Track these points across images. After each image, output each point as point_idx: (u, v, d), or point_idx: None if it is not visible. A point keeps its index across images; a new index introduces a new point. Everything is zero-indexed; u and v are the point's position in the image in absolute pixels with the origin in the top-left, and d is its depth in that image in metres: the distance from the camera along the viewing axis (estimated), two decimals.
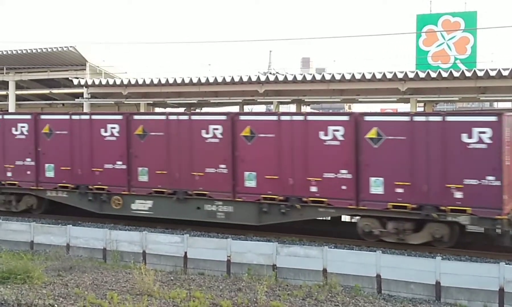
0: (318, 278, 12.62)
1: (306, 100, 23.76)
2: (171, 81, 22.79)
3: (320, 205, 15.45)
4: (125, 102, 25.21)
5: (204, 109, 28.61)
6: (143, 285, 11.52)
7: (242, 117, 16.82)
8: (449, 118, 14.25)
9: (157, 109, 30.92)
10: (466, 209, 13.95)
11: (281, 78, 21.60)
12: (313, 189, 15.45)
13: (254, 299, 11.01)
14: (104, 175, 17.82)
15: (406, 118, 14.81)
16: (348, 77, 20.01)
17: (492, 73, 18.10)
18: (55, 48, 25.34)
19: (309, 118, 15.87)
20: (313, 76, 21.29)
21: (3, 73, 27.64)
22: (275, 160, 15.81)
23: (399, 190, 14.55)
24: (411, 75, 19.30)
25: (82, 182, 18.10)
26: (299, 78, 21.13)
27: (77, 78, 25.31)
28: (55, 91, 29.13)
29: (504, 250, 14.61)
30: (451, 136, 14.02)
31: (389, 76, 19.47)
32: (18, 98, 28.98)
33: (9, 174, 19.21)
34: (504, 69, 18.00)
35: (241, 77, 21.75)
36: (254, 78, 21.74)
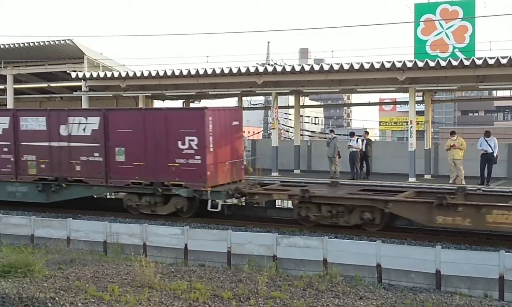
0: (319, 268, 12.66)
1: (304, 90, 23.74)
2: (169, 73, 22.67)
3: None
4: (124, 95, 25.15)
5: (203, 101, 28.54)
6: (144, 277, 11.55)
7: None
8: None
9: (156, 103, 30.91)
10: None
11: (279, 69, 21.48)
12: None
13: (255, 290, 11.05)
14: None
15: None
16: (346, 67, 19.91)
17: (491, 62, 17.99)
18: (52, 41, 25.20)
19: None
20: (312, 66, 21.12)
21: (0, 67, 27.52)
22: None
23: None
24: (409, 65, 19.19)
25: None
26: (298, 68, 20.99)
27: (75, 71, 25.18)
28: (53, 84, 29.03)
29: None
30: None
31: (387, 65, 19.36)
32: (16, 91, 28.89)
33: None
34: (503, 57, 17.89)
35: (239, 69, 21.64)
36: (252, 70, 21.61)
